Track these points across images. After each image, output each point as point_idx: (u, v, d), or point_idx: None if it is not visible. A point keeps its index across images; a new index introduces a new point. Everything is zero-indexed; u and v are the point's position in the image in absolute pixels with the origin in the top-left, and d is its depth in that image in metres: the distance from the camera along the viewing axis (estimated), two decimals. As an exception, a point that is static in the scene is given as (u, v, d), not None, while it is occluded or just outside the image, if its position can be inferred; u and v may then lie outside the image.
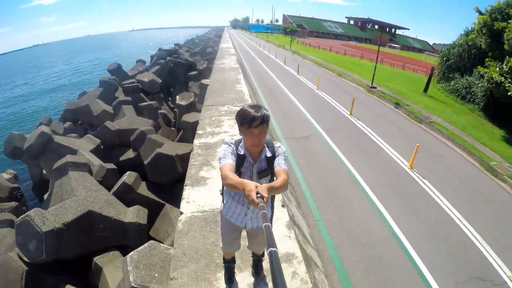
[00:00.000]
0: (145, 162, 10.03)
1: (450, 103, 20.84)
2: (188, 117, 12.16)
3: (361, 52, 44.62)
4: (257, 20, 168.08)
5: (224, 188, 2.73)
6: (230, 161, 2.36)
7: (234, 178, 2.14)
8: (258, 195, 1.82)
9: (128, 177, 9.15)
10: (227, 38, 57.80)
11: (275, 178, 2.34)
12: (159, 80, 21.32)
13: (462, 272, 5.86)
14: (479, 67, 17.94)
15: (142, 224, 7.31)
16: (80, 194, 7.59)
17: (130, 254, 4.82)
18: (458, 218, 7.41)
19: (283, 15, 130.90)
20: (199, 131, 7.52)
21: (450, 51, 26.23)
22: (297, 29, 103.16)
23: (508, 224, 7.45)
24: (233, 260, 3.33)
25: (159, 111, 17.23)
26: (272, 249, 1.20)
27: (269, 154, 2.47)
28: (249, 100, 10.62)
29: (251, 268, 3.45)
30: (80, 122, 17.62)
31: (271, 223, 2.56)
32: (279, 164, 2.37)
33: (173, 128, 16.42)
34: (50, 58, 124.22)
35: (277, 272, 1.08)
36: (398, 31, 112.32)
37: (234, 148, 2.46)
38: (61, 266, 7.03)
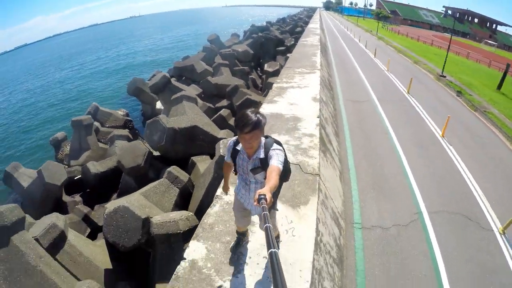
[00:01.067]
0: (236, 104, 13.90)
1: (525, 103, 20.63)
2: (273, 80, 15.61)
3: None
4: (351, 3, 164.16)
5: (238, 173, 3.18)
6: (228, 160, 3.16)
7: (224, 178, 3.64)
8: (262, 196, 1.98)
9: (223, 111, 13.14)
10: (316, 19, 59.92)
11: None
12: (251, 51, 25.24)
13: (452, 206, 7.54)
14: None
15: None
16: (190, 115, 11.60)
17: (221, 140, 8.42)
18: (469, 178, 8.85)
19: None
20: (277, 80, 11.09)
21: (536, 50, 25.32)
22: (390, 15, 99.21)
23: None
24: (244, 234, 3.97)
25: (250, 76, 21.13)
26: (273, 250, 1.26)
27: (261, 156, 2.78)
28: (318, 67, 13.78)
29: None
30: (184, 78, 22.21)
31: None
32: (272, 163, 2.60)
33: (260, 91, 20.14)
34: (148, 29, 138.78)
35: (277, 273, 1.14)
36: (500, 28, 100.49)
37: (234, 144, 3.03)
38: (168, 161, 10.99)
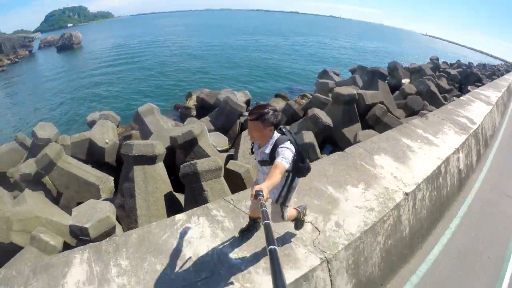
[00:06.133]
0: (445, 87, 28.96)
1: None
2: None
3: None
4: None
5: None
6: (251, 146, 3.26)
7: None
8: (259, 192, 2.04)
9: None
10: (514, 74, 67.15)
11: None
12: (459, 76, 38.84)
13: None
14: None
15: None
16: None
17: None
18: None
19: None
20: (477, 90, 25.78)
21: None
22: None
23: None
24: (255, 220, 3.91)
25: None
26: (272, 247, 1.26)
27: (267, 150, 2.89)
28: (502, 91, 27.59)
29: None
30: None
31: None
32: (276, 159, 2.66)
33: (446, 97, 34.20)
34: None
35: (277, 271, 1.14)
36: None
37: None
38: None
